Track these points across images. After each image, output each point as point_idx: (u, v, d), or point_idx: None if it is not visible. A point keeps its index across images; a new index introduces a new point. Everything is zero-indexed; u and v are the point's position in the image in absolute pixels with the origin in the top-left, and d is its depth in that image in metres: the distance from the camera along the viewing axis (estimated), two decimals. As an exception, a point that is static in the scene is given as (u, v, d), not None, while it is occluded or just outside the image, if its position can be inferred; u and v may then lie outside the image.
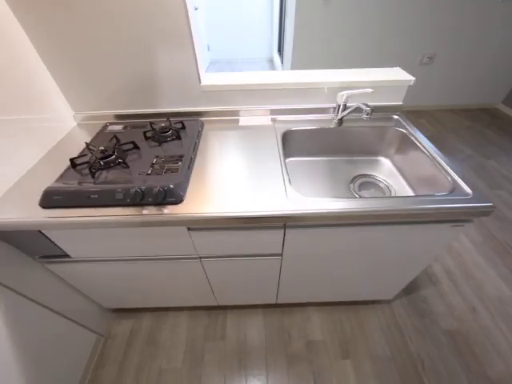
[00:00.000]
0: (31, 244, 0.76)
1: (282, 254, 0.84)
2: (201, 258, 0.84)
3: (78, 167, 0.77)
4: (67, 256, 0.82)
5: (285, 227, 0.73)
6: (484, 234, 1.56)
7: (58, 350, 0.92)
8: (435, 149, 0.86)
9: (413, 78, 0.98)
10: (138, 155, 0.82)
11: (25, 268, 0.80)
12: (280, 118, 1.03)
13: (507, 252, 1.46)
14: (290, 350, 1.12)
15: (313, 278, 1.00)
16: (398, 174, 1.00)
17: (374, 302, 1.26)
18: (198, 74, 0.92)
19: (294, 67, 2.48)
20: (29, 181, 0.77)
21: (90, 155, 0.80)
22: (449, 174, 0.77)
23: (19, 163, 0.79)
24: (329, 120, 1.03)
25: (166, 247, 0.80)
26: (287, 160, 1.06)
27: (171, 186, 0.68)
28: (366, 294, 1.17)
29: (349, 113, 0.95)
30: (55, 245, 0.76)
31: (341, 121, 1.00)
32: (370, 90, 0.87)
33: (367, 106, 0.82)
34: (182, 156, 0.81)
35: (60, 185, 0.70)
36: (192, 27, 0.81)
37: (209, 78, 0.97)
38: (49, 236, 0.73)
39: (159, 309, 1.25)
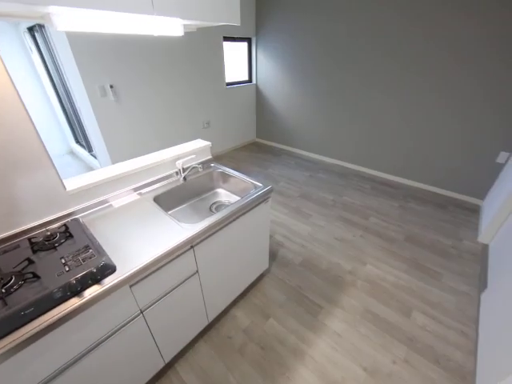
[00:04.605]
0: None
1: (197, 270, 1.19)
2: (142, 311, 1.01)
3: (-28, 310, 0.73)
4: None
5: (192, 247, 1.11)
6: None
7: None
8: (238, 173, 1.58)
9: (209, 143, 1.70)
10: (40, 267, 0.88)
11: None
12: (144, 191, 1.39)
13: (299, 212, 2.61)
14: (240, 348, 1.43)
15: (224, 277, 1.40)
16: (229, 194, 1.66)
17: (262, 276, 1.84)
18: (62, 183, 1.10)
19: (113, 158, 2.77)
20: None
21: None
22: (250, 182, 1.49)
23: None
24: (176, 180, 1.52)
25: (109, 320, 0.91)
26: (169, 212, 1.42)
27: (102, 263, 0.87)
28: (255, 273, 1.72)
29: (188, 172, 1.49)
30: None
31: (185, 178, 1.52)
32: (193, 156, 1.47)
33: (198, 164, 1.40)
34: (87, 246, 0.97)
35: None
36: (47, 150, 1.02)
37: (73, 182, 1.16)
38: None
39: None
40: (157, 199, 1.34)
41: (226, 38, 3.56)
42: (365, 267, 1.94)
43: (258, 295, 1.72)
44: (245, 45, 3.98)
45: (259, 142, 4.61)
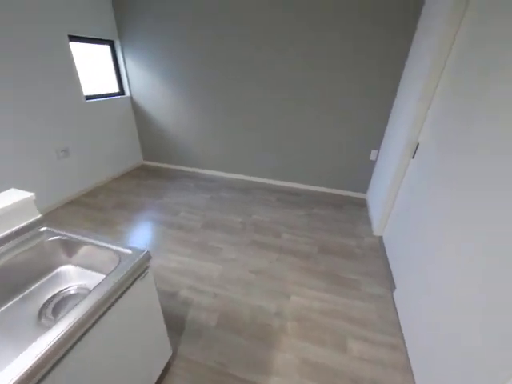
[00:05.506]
0: None
1: None
2: None
3: None
4: None
5: None
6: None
7: None
8: (91, 237, 0.99)
9: (32, 194, 1.01)
10: None
11: None
12: None
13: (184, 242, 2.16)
14: None
15: None
16: (84, 270, 1.04)
17: (168, 369, 1.29)
18: None
19: None
20: None
21: None
22: (112, 248, 0.94)
23: None
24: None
25: None
26: None
27: None
28: (153, 374, 1.16)
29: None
30: None
31: (-30, 273, 0.80)
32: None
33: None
34: None
35: None
36: None
37: None
38: None
39: None
40: None
41: (74, 38, 2.72)
42: (289, 301, 1.69)
43: (162, 406, 1.16)
44: (107, 49, 3.21)
45: (148, 165, 3.87)
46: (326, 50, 2.51)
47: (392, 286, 1.79)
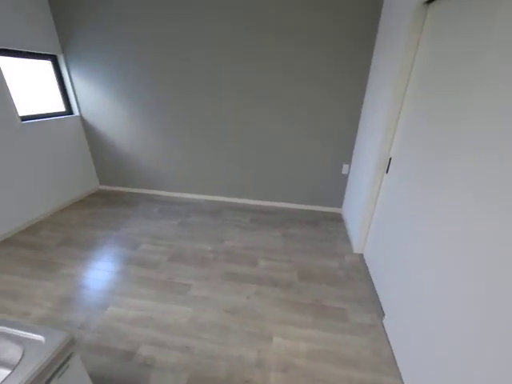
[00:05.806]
0: None
1: None
2: None
3: None
4: None
5: None
6: (154, 285, 1.85)
7: None
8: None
9: None
10: None
11: None
12: None
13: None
14: None
15: None
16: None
17: None
18: None
19: None
20: None
21: None
22: (13, 336, 0.64)
23: None
24: None
25: None
26: None
27: None
28: None
29: None
30: None
31: None
32: None
33: None
34: None
35: None
36: None
37: None
38: None
39: None
40: None
41: (3, 52, 2.34)
42: (271, 344, 1.46)
43: None
44: (48, 64, 2.85)
45: (105, 190, 3.46)
46: (295, 63, 2.45)
47: (380, 313, 1.65)
